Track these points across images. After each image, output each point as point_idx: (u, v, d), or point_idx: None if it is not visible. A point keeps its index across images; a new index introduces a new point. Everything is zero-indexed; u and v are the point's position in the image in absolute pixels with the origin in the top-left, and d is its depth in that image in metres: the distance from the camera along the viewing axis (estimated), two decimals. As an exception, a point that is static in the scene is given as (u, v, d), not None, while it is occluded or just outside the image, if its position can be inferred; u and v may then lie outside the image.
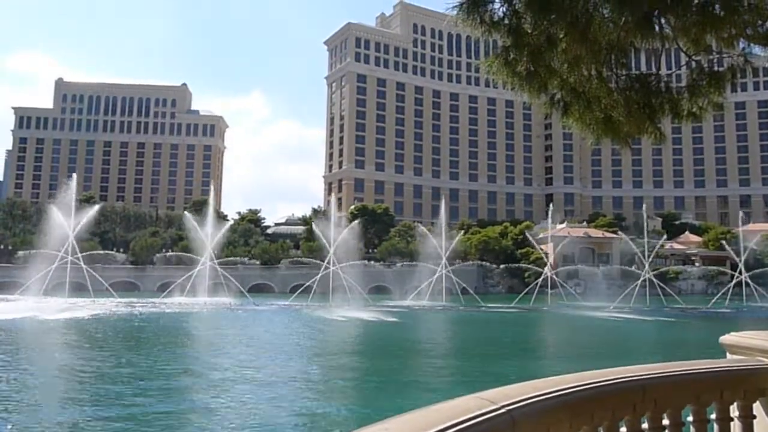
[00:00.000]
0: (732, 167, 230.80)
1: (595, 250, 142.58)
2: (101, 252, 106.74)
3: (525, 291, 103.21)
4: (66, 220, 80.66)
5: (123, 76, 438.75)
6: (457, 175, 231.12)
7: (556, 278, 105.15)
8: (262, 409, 22.55)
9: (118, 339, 45.06)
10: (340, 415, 22.74)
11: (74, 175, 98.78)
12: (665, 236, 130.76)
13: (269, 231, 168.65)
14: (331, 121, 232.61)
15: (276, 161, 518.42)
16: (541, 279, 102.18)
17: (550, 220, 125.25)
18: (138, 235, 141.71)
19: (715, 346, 6.78)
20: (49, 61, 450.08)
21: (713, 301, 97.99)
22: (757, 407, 5.91)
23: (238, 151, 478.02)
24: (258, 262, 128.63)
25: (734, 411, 5.84)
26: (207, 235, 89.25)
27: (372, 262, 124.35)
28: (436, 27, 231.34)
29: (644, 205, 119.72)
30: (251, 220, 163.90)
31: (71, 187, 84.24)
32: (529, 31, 7.35)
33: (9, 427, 19.42)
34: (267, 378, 29.56)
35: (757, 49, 7.64)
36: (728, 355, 6.74)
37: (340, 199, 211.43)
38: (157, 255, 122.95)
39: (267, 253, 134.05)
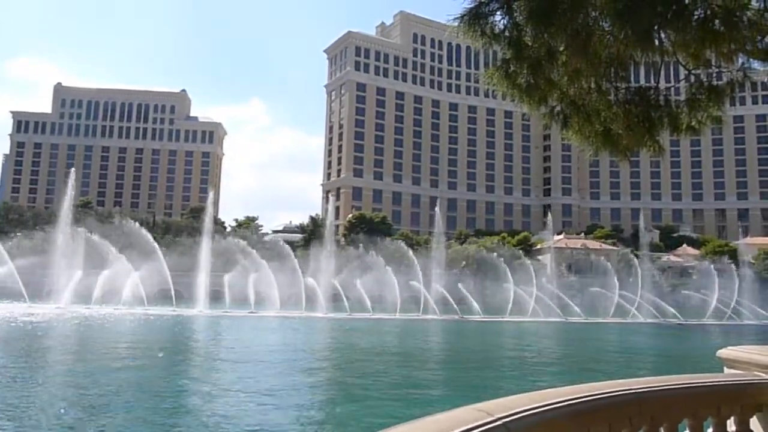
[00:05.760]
0: (730, 180, 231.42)
1: (592, 262, 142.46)
2: None
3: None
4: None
5: (122, 81, 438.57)
6: (456, 185, 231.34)
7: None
8: (255, 415, 22.45)
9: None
10: (334, 426, 22.63)
11: (72, 171, 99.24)
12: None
13: (266, 239, 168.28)
14: (330, 129, 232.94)
15: (275, 169, 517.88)
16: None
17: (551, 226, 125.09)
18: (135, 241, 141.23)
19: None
20: (48, 66, 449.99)
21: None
22: (754, 422, 5.90)
23: (237, 159, 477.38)
24: None
25: (731, 425, 5.83)
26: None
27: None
28: (436, 37, 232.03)
29: (641, 216, 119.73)
30: (248, 228, 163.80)
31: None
32: (530, 43, 7.38)
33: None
34: (258, 383, 29.45)
35: (756, 64, 7.68)
36: (725, 369, 6.73)
37: (338, 207, 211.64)
38: None
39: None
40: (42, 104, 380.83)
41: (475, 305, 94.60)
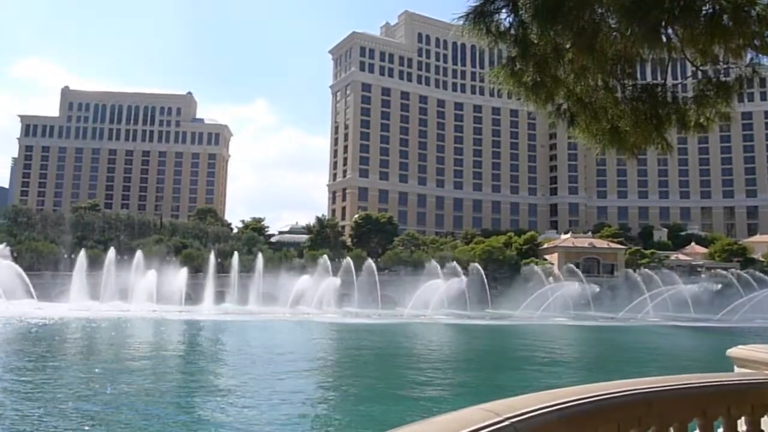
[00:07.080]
0: (738, 178, 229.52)
1: (600, 261, 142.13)
2: None
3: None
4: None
5: (129, 84, 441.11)
6: (462, 185, 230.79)
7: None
8: (263, 415, 22.46)
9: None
10: (342, 426, 22.62)
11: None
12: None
13: (273, 239, 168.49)
14: (336, 129, 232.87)
15: (281, 169, 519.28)
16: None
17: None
18: (142, 242, 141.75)
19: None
20: (56, 69, 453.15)
21: None
22: (765, 422, 5.83)
23: (243, 159, 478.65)
24: None
25: (742, 425, 5.76)
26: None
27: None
28: (441, 36, 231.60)
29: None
30: (255, 229, 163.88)
31: None
32: (536, 41, 7.33)
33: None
34: (261, 384, 29.47)
35: (764, 60, 7.61)
36: (736, 369, 6.66)
37: (344, 207, 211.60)
38: None
39: (270, 262, 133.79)
40: (47, 105, 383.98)
41: (487, 305, 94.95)
